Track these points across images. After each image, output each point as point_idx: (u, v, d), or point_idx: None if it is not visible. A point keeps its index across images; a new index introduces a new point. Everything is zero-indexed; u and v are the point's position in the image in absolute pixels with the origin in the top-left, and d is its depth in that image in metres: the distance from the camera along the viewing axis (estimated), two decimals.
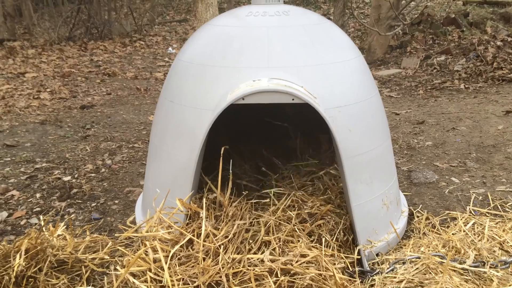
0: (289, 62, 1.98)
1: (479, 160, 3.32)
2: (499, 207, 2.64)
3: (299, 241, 1.93)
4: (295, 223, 2.04)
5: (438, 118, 4.46)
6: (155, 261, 1.83)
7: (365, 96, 2.13)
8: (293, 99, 1.81)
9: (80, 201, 2.91)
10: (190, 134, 2.03)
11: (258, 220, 2.04)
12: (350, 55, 2.16)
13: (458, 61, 6.60)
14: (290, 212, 2.10)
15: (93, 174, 3.33)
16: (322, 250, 1.91)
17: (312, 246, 1.93)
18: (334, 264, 1.87)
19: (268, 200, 2.25)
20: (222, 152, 2.02)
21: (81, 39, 9.62)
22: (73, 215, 2.73)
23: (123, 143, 4.01)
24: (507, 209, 2.61)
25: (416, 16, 8.60)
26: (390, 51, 7.86)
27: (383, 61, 7.53)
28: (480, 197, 2.78)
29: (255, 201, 2.20)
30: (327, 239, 2.03)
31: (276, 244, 1.89)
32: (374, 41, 7.70)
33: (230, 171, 2.12)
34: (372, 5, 7.94)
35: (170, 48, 9.40)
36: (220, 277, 1.74)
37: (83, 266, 2.06)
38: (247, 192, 2.21)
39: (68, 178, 3.26)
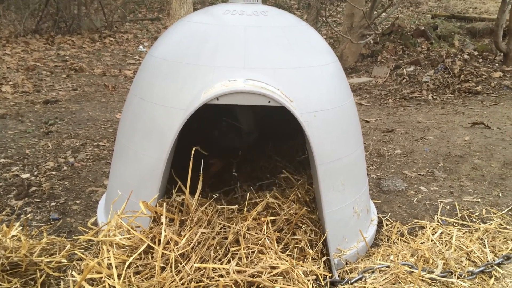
0: (266, 64, 1.92)
1: (447, 170, 3.36)
2: (466, 217, 2.67)
3: (270, 248, 1.85)
4: (266, 231, 1.97)
5: (407, 127, 4.52)
6: (111, 267, 1.72)
7: (341, 102, 2.10)
8: (269, 102, 1.75)
9: (38, 200, 2.76)
10: (160, 133, 1.94)
11: (228, 228, 1.95)
12: (327, 59, 2.13)
13: (426, 72, 6.74)
14: (264, 218, 2.02)
15: (54, 172, 3.17)
16: (292, 260, 1.83)
17: (281, 256, 1.86)
18: (307, 276, 1.80)
19: (238, 206, 2.18)
20: (192, 153, 1.94)
21: (48, 33, 9.27)
22: (30, 215, 2.58)
23: (88, 140, 3.85)
24: (474, 219, 2.64)
25: (387, 26, 8.75)
26: (361, 60, 7.96)
27: (354, 69, 7.62)
28: (448, 206, 2.81)
29: (225, 206, 2.12)
30: (299, 246, 1.97)
31: (244, 253, 1.81)
32: (346, 49, 7.78)
33: (201, 172, 2.04)
34: (345, 14, 8.03)
35: (141, 46, 9.19)
36: None
37: (38, 270, 1.94)
38: (217, 195, 2.13)
39: (27, 175, 3.09)
